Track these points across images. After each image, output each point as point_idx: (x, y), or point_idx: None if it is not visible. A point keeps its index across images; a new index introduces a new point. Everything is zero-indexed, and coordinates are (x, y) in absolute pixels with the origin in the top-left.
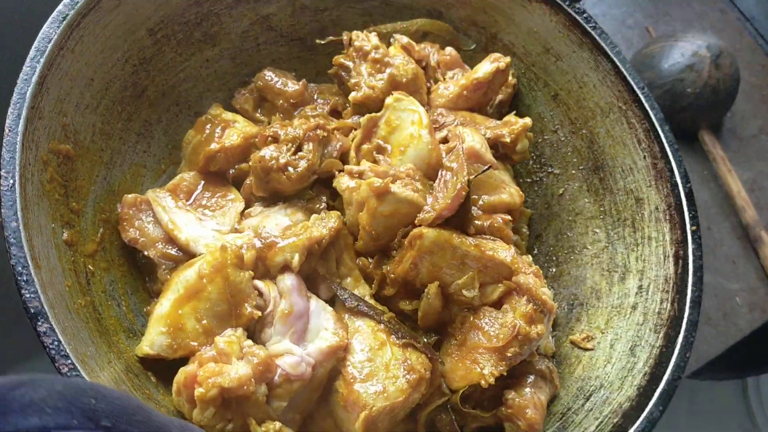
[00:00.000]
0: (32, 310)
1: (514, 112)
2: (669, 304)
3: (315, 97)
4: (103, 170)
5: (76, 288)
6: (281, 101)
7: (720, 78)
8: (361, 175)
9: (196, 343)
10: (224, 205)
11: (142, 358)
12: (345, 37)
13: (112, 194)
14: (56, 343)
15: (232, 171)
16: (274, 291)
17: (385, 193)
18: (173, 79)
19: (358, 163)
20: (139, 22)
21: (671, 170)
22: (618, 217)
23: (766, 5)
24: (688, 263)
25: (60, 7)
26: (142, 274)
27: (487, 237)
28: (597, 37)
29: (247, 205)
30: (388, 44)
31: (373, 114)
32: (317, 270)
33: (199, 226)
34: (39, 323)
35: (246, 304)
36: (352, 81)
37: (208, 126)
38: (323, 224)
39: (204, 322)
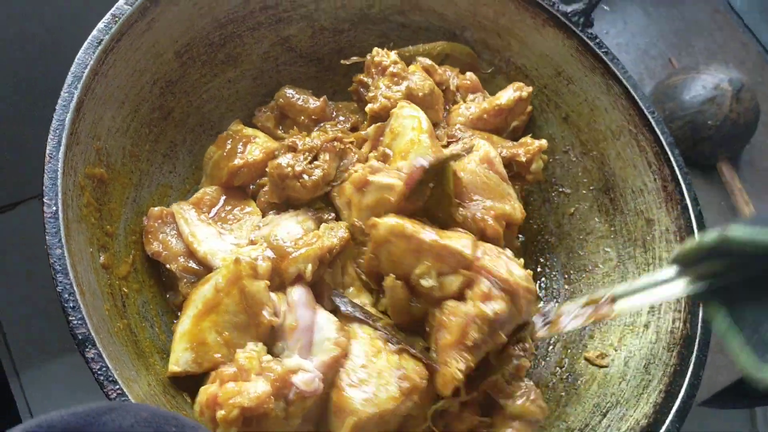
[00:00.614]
0: (80, 337)
1: (530, 135)
2: (681, 324)
3: (334, 114)
4: (132, 192)
5: (114, 311)
6: (303, 118)
7: (740, 111)
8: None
9: (219, 355)
10: (242, 218)
11: (172, 377)
12: (368, 57)
13: (140, 215)
14: (104, 368)
15: (252, 186)
16: (284, 305)
17: (364, 184)
18: (197, 100)
19: None
20: (167, 44)
21: (681, 193)
22: (629, 237)
23: None
24: None
25: (94, 32)
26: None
27: (457, 229)
28: (609, 62)
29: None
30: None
31: (380, 123)
32: (323, 279)
33: (219, 239)
34: (87, 349)
35: (264, 312)
36: (370, 95)
37: (229, 142)
38: (333, 234)
39: (225, 334)
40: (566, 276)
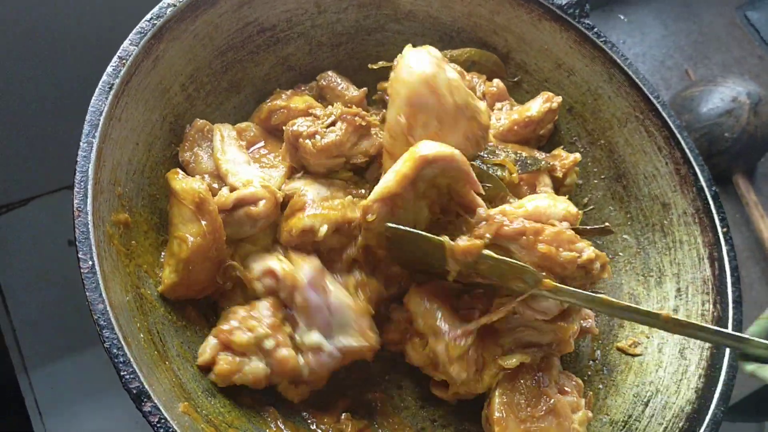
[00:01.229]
0: (134, 391)
1: (563, 146)
2: (711, 306)
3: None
4: (154, 233)
5: (157, 357)
6: (339, 103)
7: (758, 125)
8: None
9: None
10: (277, 166)
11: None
12: (395, 62)
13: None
14: (163, 420)
15: None
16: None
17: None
18: None
19: None
20: (173, 79)
21: (695, 174)
22: (646, 222)
23: None
24: (724, 264)
25: (104, 77)
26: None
27: None
28: (608, 50)
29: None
30: None
31: None
32: (336, 250)
33: (246, 165)
34: (143, 403)
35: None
36: None
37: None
38: (357, 209)
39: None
40: None
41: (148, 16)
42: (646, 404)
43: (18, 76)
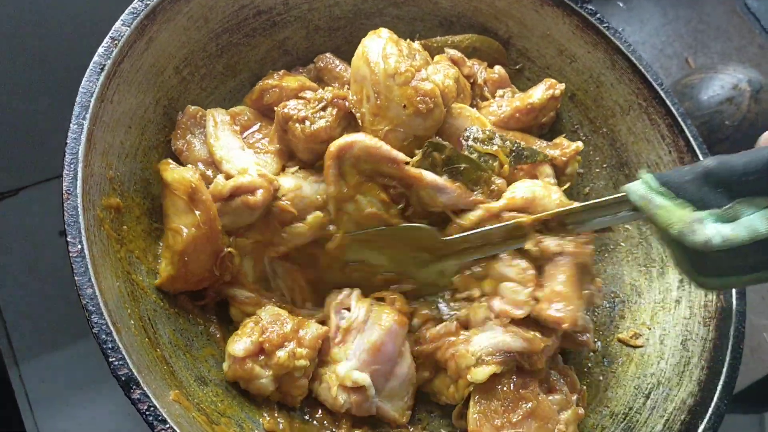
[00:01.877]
0: (123, 378)
1: (564, 135)
2: (714, 296)
3: None
4: (146, 218)
5: (147, 344)
6: (337, 85)
7: (759, 112)
8: None
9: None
10: (272, 151)
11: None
12: None
13: (158, 240)
14: (152, 408)
15: None
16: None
17: None
18: None
19: None
20: (167, 61)
21: None
22: None
23: None
24: None
25: (96, 58)
26: (191, 317)
27: None
28: (611, 37)
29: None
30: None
31: None
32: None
33: (240, 151)
34: (131, 390)
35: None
36: None
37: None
38: None
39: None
40: None
41: None
42: (648, 396)
43: (5, 61)
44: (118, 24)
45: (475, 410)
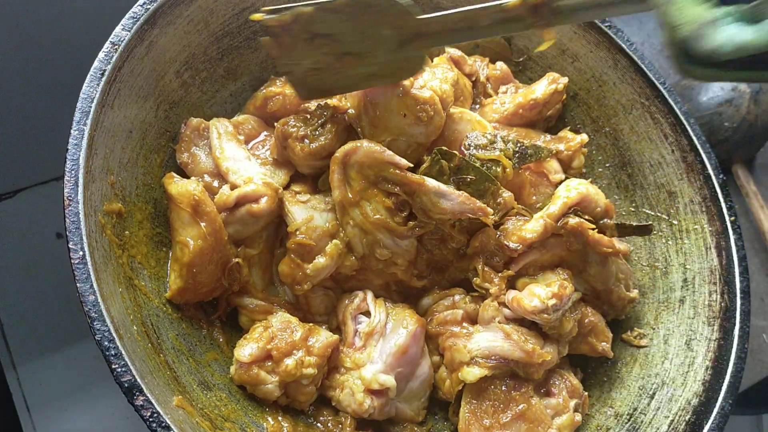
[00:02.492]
0: (126, 385)
1: (569, 128)
2: (719, 296)
3: None
4: (149, 223)
5: (150, 349)
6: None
7: (758, 114)
8: None
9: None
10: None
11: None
12: None
13: (161, 245)
14: (156, 414)
15: None
16: (381, 313)
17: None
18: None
19: None
20: (167, 65)
21: (702, 162)
22: (652, 211)
23: None
24: (732, 254)
25: (96, 63)
26: (194, 321)
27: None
28: (613, 36)
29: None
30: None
31: None
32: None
33: (246, 162)
34: (135, 397)
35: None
36: None
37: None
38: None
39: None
40: None
41: (141, 1)
42: (652, 397)
43: (5, 64)
44: (118, 29)
45: (466, 409)
